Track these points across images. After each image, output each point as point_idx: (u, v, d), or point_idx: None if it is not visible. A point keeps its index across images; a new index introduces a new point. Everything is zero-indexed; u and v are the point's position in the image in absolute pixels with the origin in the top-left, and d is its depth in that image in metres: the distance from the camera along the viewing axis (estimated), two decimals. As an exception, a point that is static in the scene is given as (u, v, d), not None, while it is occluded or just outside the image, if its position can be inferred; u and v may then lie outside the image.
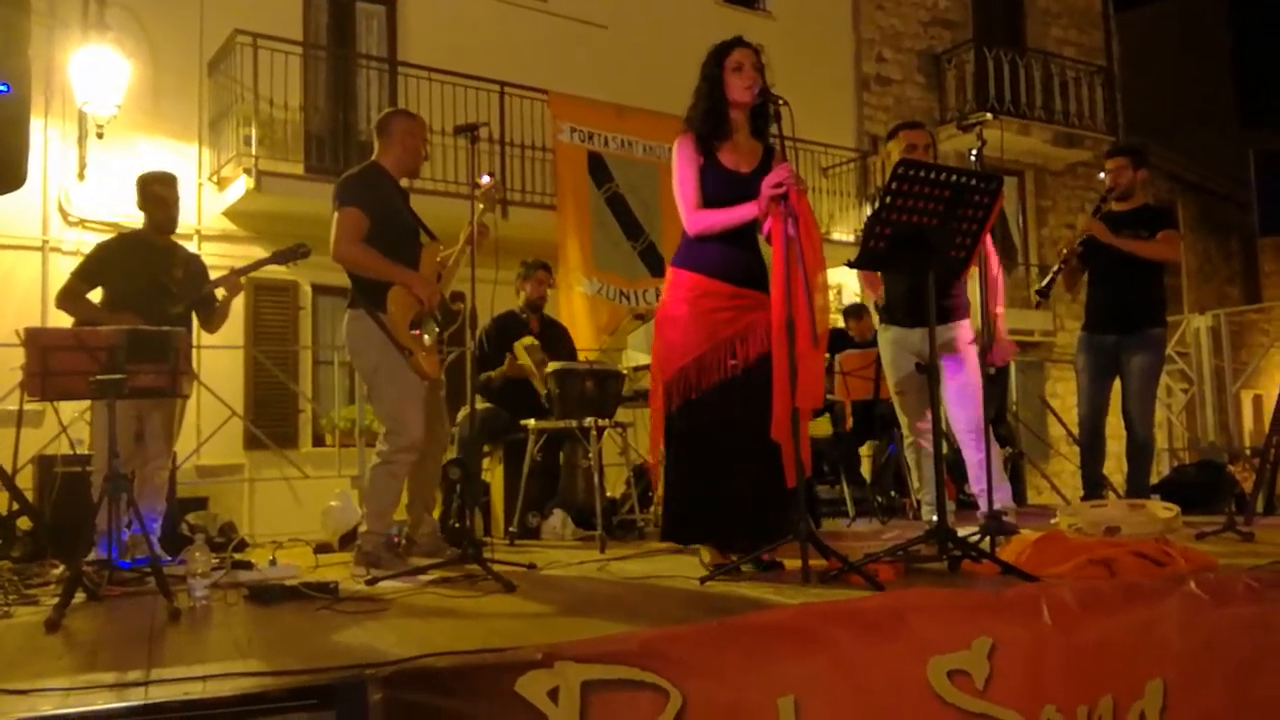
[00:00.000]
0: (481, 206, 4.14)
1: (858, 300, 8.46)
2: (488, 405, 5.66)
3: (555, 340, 6.07)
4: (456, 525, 5.15)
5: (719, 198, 3.58)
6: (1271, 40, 19.34)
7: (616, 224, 9.29)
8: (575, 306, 8.72)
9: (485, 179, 4.27)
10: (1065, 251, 5.26)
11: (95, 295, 4.66)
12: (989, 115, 4.20)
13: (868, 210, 11.80)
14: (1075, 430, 5.66)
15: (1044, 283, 5.42)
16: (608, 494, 5.65)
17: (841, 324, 7.55)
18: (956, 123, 9.14)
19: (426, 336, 4.04)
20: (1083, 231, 5.21)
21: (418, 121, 4.34)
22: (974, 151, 3.89)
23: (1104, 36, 15.32)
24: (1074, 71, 13.94)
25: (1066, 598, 2.68)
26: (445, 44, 9.46)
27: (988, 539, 3.61)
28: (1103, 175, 5.41)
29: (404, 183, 4.35)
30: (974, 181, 3.38)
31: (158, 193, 4.80)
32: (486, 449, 5.86)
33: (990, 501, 3.87)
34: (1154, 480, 6.17)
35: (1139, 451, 5.26)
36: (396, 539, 4.76)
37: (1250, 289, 17.89)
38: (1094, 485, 5.33)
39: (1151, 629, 2.74)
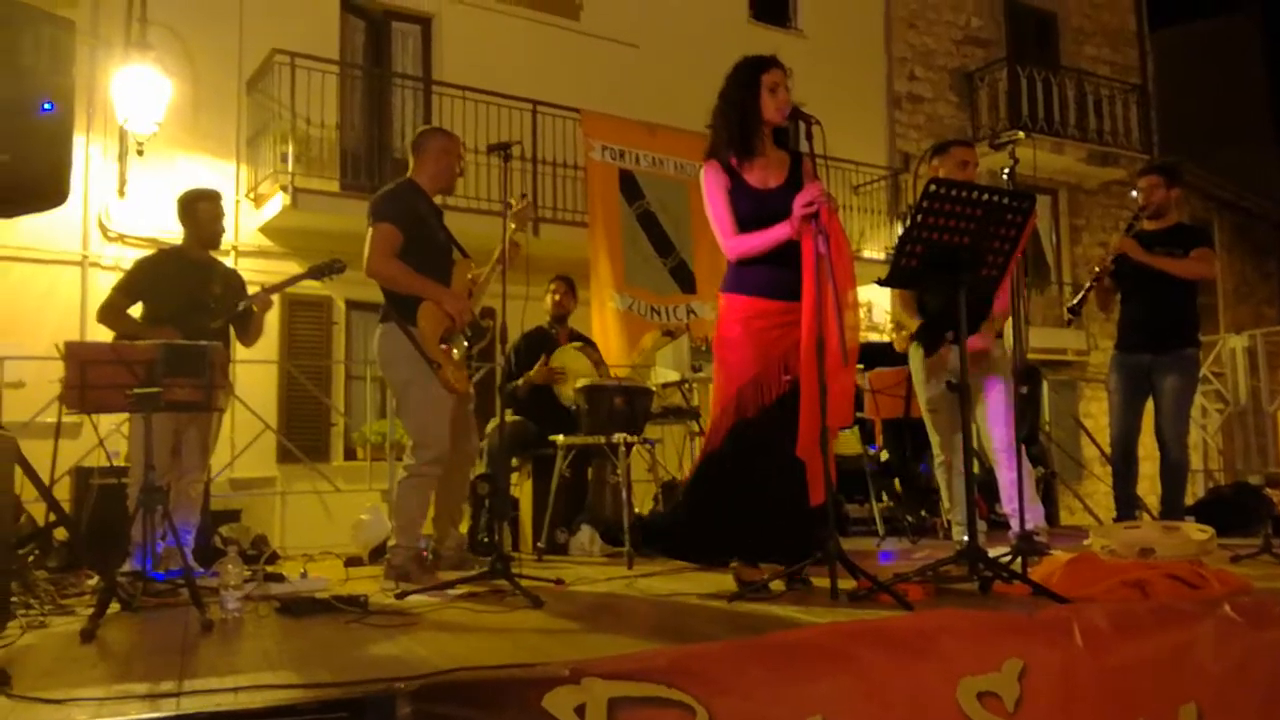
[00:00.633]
0: (514, 225, 4.18)
1: (888, 317, 8.41)
2: (516, 419, 5.68)
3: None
4: (485, 540, 5.18)
5: (752, 216, 3.59)
6: (1309, 58, 19.11)
7: (647, 241, 9.32)
8: (607, 322, 8.74)
9: (520, 199, 4.35)
10: (1097, 270, 5.21)
11: (135, 310, 4.74)
12: (1021, 134, 4.18)
13: (899, 228, 11.75)
14: (1108, 450, 5.59)
15: (1075, 300, 5.39)
16: (635, 510, 5.65)
17: (874, 337, 7.51)
18: (989, 141, 9.09)
19: (455, 351, 4.08)
20: (1114, 250, 5.16)
21: (453, 139, 4.39)
22: (1006, 170, 3.88)
23: (1138, 54, 15.21)
24: (1108, 90, 13.83)
25: (1099, 620, 2.65)
26: (479, 63, 9.56)
27: (1019, 560, 3.58)
28: (1135, 194, 5.37)
29: (438, 200, 4.39)
30: (1006, 200, 3.36)
31: (204, 209, 4.87)
32: (515, 463, 5.89)
33: (1022, 522, 3.83)
34: (1189, 502, 6.09)
35: (1172, 472, 5.19)
36: (425, 553, 4.80)
37: (1288, 309, 17.62)
38: (1127, 506, 5.27)
39: (1185, 652, 2.70)
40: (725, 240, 3.62)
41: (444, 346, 4.05)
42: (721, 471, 3.60)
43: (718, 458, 3.62)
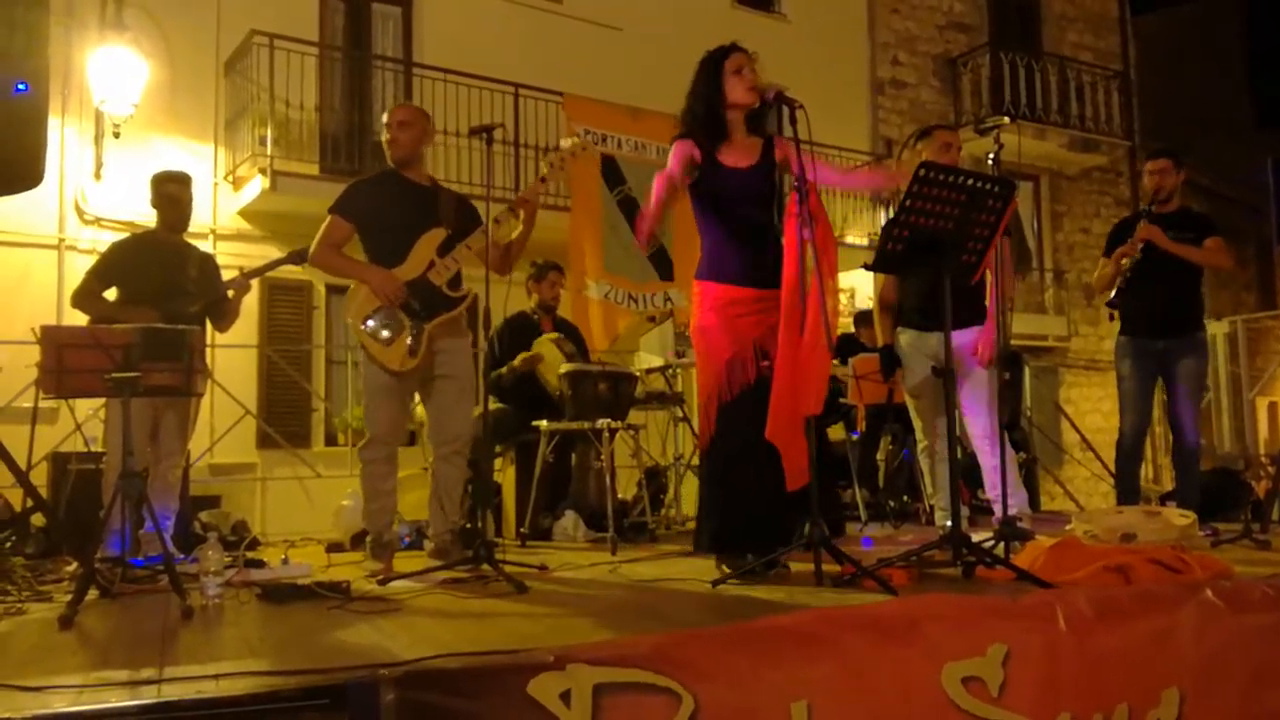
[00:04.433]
0: (545, 171, 4.21)
1: (869, 306, 8.42)
2: (499, 405, 5.66)
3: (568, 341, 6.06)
4: (468, 526, 5.15)
5: (722, 194, 3.63)
6: (1288, 45, 19.22)
7: (627, 227, 9.26)
8: (584, 309, 8.71)
9: (566, 142, 4.36)
10: (1126, 262, 5.10)
11: (110, 295, 4.68)
12: (1006, 119, 4.17)
13: (882, 214, 11.76)
14: (1089, 436, 5.61)
15: (1112, 294, 5.16)
16: (619, 496, 5.65)
17: (852, 329, 7.52)
18: (974, 126, 9.09)
19: (386, 331, 4.03)
20: (1141, 237, 5.09)
21: (403, 110, 4.33)
22: (991, 155, 3.87)
23: (1120, 41, 15.25)
24: (1090, 76, 13.88)
25: (1082, 605, 2.66)
26: (460, 46, 9.48)
27: (1002, 545, 3.59)
28: (1144, 177, 5.31)
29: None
30: (989, 186, 3.36)
31: (171, 191, 4.81)
32: (498, 449, 5.87)
33: (1005, 507, 3.85)
34: (1169, 488, 6.11)
35: (1187, 457, 5.16)
36: (407, 537, 4.78)
37: (1266, 295, 17.78)
38: (1131, 496, 5.21)
39: (1168, 637, 2.72)
40: (656, 184, 3.58)
41: (365, 326, 4.01)
42: (719, 459, 3.61)
43: (714, 446, 3.63)
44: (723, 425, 3.58)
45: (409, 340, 4.03)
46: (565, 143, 4.42)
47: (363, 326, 4.04)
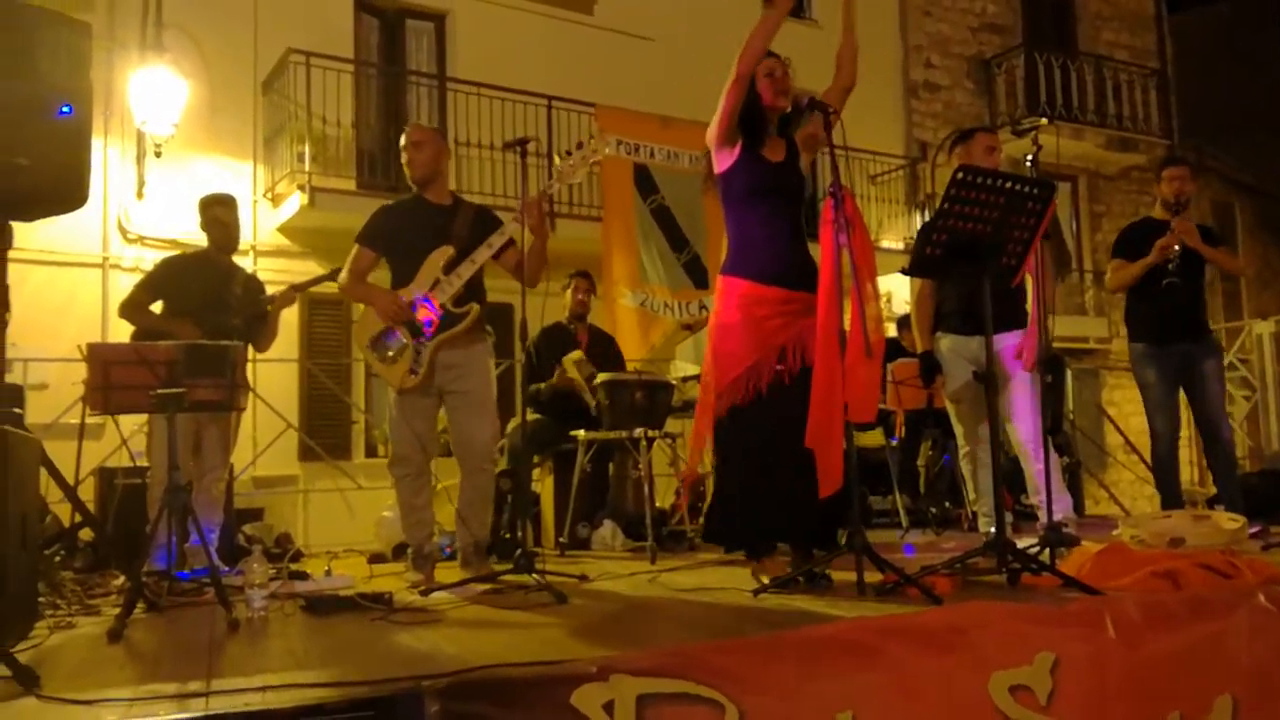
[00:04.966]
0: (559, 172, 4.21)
1: (909, 310, 8.35)
2: (537, 416, 5.67)
3: (603, 352, 6.07)
4: (507, 536, 5.17)
5: (758, 185, 3.63)
6: (1330, 39, 18.85)
7: (662, 236, 9.28)
8: (619, 319, 8.71)
9: (578, 147, 4.27)
10: (1172, 265, 5.08)
11: (155, 309, 4.78)
12: (1044, 120, 4.13)
13: (917, 217, 11.68)
14: (1133, 438, 5.54)
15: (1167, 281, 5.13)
16: (657, 504, 5.64)
17: (894, 333, 7.46)
18: (1011, 128, 9.00)
19: (389, 350, 4.11)
20: (1175, 240, 5.07)
21: (415, 130, 4.32)
22: (1029, 157, 3.83)
23: (1156, 39, 15.06)
24: (1127, 75, 13.70)
25: (1131, 611, 2.62)
26: (493, 59, 9.53)
27: (1048, 551, 3.54)
28: (1164, 184, 5.28)
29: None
30: (1028, 189, 3.33)
31: (217, 215, 4.93)
32: (536, 460, 5.88)
33: (1050, 512, 3.79)
34: (1214, 491, 6.02)
35: (1225, 455, 5.19)
36: (448, 548, 4.80)
37: (1311, 294, 17.43)
38: (1174, 502, 5.17)
39: (1219, 643, 2.67)
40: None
41: (368, 348, 4.16)
42: (725, 462, 3.62)
43: (718, 450, 3.63)
44: (735, 430, 3.54)
45: (411, 359, 4.08)
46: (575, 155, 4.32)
47: (367, 347, 4.15)
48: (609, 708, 2.05)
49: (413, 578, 4.10)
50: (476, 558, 4.16)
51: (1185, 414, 5.28)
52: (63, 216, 3.99)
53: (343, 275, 4.25)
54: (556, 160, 4.24)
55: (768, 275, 3.56)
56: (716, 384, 3.60)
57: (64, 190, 3.56)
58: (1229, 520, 3.83)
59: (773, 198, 3.64)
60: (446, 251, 4.13)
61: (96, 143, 7.03)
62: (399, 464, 4.20)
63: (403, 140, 4.29)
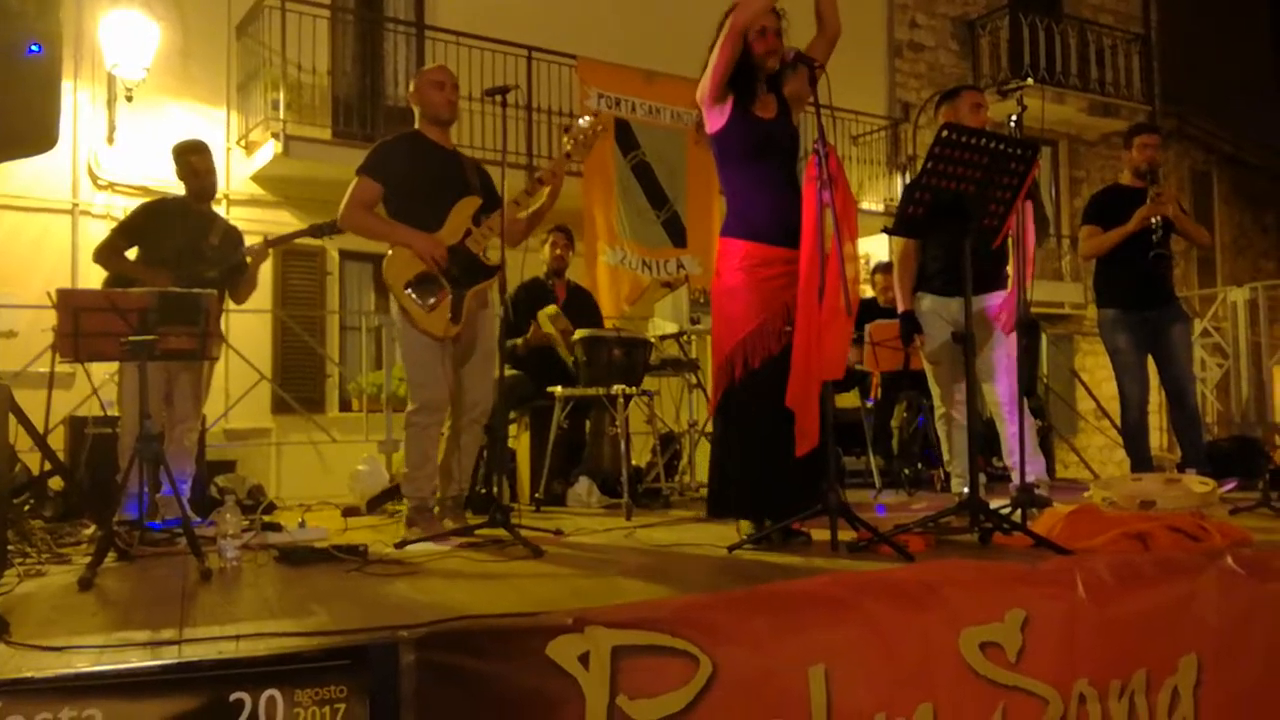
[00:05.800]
0: (569, 146, 4.18)
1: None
2: (514, 372, 5.65)
3: (581, 307, 6.04)
4: (483, 491, 5.17)
5: (753, 143, 3.59)
6: (1313, 9, 18.89)
7: (641, 192, 9.22)
8: (598, 275, 8.68)
9: (583, 120, 4.35)
10: (1156, 237, 5.14)
11: (131, 255, 4.71)
12: (1030, 81, 4.12)
13: (898, 179, 11.65)
14: (1107, 404, 5.60)
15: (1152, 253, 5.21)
16: (634, 462, 5.64)
17: (869, 293, 7.41)
18: (996, 89, 8.96)
19: (430, 296, 3.97)
20: (1157, 210, 5.11)
21: (435, 70, 4.28)
22: (1014, 118, 3.80)
23: (1141, 4, 15.01)
24: (1110, 39, 13.66)
25: (1101, 571, 2.65)
26: (473, 8, 9.37)
27: (1019, 511, 3.57)
28: (1135, 151, 5.33)
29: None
30: (1012, 149, 3.32)
31: (192, 163, 4.83)
32: (513, 415, 5.87)
33: (1023, 474, 3.82)
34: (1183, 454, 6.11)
35: (1191, 419, 5.27)
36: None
37: (1286, 263, 17.58)
38: (1145, 466, 5.27)
39: (1186, 604, 2.71)
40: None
41: (408, 292, 3.97)
42: (730, 426, 3.58)
43: (724, 413, 3.59)
44: (744, 393, 3.51)
45: (450, 306, 4.00)
46: (583, 121, 4.36)
47: (406, 291, 3.98)
48: (584, 659, 2.05)
49: (416, 534, 3.91)
50: (453, 511, 4.14)
51: (1155, 380, 5.36)
52: (32, 161, 3.93)
53: (347, 208, 4.04)
54: (566, 144, 4.22)
55: (768, 235, 3.54)
56: (725, 347, 3.57)
57: (33, 132, 3.46)
58: (1199, 484, 3.88)
59: (768, 156, 3.61)
60: (475, 202, 4.09)
61: (66, 86, 6.89)
62: (428, 411, 4.03)
63: (438, 76, 4.21)
